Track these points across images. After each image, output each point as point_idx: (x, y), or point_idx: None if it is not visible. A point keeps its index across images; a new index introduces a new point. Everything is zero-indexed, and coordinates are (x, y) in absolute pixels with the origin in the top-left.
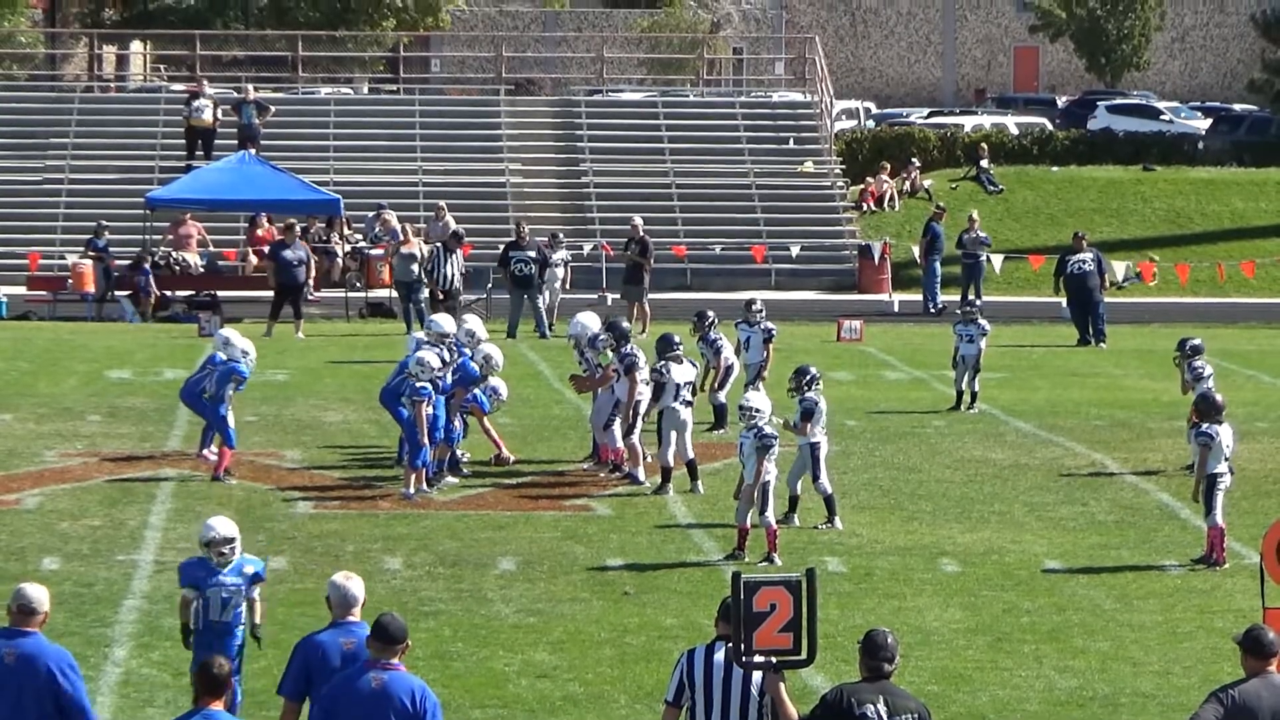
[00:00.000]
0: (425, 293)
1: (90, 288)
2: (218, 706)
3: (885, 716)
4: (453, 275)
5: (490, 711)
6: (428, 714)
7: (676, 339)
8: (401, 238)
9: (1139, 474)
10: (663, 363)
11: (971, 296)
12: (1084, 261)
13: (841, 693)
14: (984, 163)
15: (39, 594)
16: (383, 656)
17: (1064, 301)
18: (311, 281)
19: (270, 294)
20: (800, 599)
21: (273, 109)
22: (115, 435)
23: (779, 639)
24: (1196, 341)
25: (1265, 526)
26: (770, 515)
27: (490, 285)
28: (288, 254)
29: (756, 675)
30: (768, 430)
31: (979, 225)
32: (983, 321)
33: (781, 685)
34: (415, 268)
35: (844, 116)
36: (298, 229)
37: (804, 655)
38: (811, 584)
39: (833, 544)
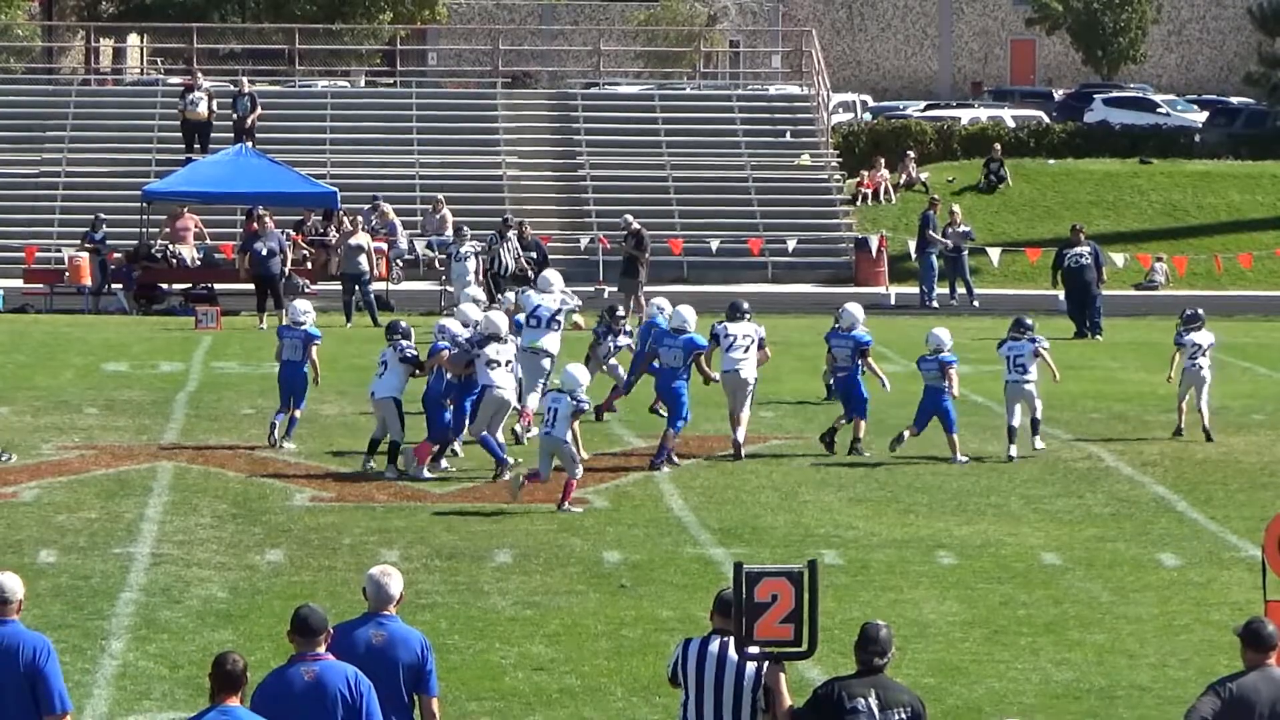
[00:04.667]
0: (373, 286)
1: (87, 280)
2: (234, 702)
3: (877, 710)
4: (509, 261)
5: (487, 704)
6: (364, 697)
7: (402, 324)
8: (350, 229)
9: (1135, 466)
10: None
11: (961, 290)
12: (1081, 255)
13: (833, 686)
14: (995, 163)
15: (12, 582)
16: (308, 649)
17: (1061, 294)
18: (287, 270)
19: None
20: (802, 591)
21: (259, 108)
22: (112, 428)
23: (780, 630)
24: (1191, 311)
25: (1262, 518)
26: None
27: None
28: (259, 245)
29: (749, 667)
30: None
31: (960, 219)
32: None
33: (782, 676)
34: (362, 259)
35: (840, 109)
36: (269, 220)
37: (804, 647)
38: (814, 576)
39: (829, 536)
